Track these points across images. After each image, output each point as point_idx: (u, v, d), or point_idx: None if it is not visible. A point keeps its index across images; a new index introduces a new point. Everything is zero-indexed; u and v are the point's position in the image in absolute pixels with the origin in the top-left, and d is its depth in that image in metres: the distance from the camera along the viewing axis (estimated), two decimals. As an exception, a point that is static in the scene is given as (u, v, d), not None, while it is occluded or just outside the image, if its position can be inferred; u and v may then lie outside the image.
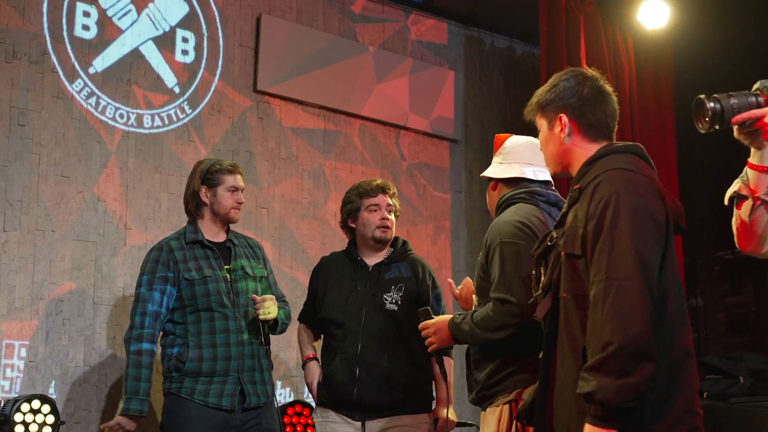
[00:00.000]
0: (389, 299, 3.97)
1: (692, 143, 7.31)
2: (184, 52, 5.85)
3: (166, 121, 5.69)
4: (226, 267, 4.04)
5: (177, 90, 5.77)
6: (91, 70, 5.47)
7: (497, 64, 7.52)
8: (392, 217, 4.11)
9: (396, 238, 4.19)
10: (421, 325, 3.25)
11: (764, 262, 7.40)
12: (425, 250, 6.63)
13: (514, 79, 7.56)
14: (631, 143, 2.59)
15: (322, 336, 4.17)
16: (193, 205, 4.07)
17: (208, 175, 4.03)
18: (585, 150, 2.60)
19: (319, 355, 4.16)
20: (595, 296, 2.30)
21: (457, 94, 7.10)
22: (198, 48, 5.90)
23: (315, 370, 4.03)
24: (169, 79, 5.75)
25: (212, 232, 4.10)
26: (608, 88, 2.65)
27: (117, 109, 5.51)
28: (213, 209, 4.04)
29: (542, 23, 6.75)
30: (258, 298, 3.98)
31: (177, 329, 3.97)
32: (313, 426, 4.15)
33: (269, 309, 3.95)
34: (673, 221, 2.43)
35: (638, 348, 2.23)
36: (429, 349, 3.26)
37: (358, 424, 3.88)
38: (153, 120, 5.64)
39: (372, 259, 4.10)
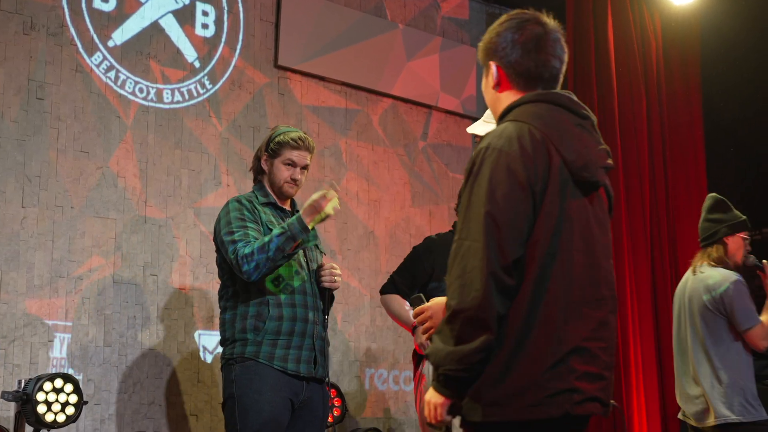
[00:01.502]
0: None
1: (721, 123, 7.17)
2: (204, 26, 5.71)
3: (186, 96, 5.56)
4: None
5: (197, 64, 5.63)
6: (110, 44, 5.33)
7: (519, 42, 7.36)
8: None
9: None
10: (415, 311, 3.06)
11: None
12: (444, 228, 6.48)
13: (536, 58, 7.41)
14: (551, 91, 2.37)
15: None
16: (255, 169, 3.94)
17: (272, 144, 3.86)
18: (512, 100, 2.40)
19: None
20: (451, 257, 2.22)
21: (478, 72, 6.97)
22: (218, 22, 5.76)
23: None
24: (189, 53, 5.61)
25: (275, 199, 3.92)
26: (551, 34, 2.40)
27: (136, 83, 5.38)
28: (270, 178, 3.88)
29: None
30: (328, 265, 3.83)
31: (252, 287, 3.67)
32: None
33: (338, 278, 3.82)
34: (575, 172, 2.24)
35: (473, 315, 2.11)
36: (426, 336, 3.07)
37: None
38: (173, 95, 5.50)
39: None
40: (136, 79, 5.38)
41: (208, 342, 5.39)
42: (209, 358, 5.37)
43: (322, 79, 6.14)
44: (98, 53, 5.28)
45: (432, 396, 2.24)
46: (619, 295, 6.06)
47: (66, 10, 5.20)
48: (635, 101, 6.64)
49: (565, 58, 2.42)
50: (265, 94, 5.89)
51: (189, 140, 5.53)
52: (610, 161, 2.35)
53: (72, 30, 5.21)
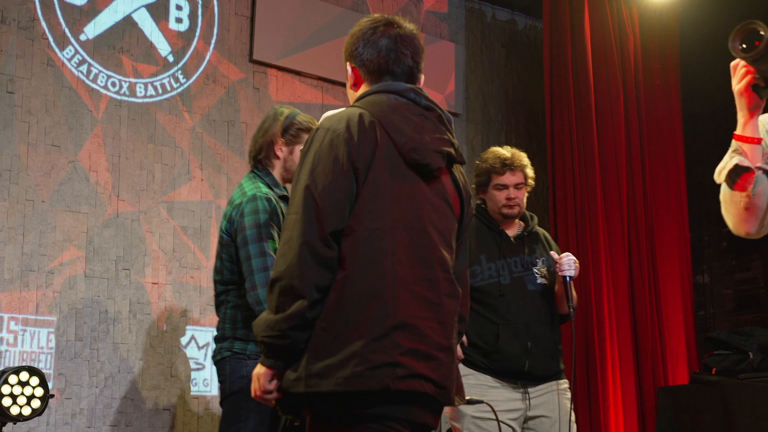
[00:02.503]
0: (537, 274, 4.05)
1: (698, 118, 7.17)
2: (178, 20, 5.69)
3: (160, 90, 5.55)
4: None
5: (171, 59, 5.62)
6: (82, 37, 5.32)
7: (499, 37, 7.37)
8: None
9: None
10: None
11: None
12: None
13: (515, 53, 7.41)
14: (395, 83, 2.48)
15: None
16: (265, 155, 3.68)
17: (291, 130, 3.66)
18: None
19: None
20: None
21: (458, 67, 6.95)
22: (192, 16, 5.75)
23: None
24: (163, 47, 5.60)
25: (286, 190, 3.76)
26: (404, 34, 2.51)
27: (109, 77, 5.36)
28: (285, 166, 3.67)
29: (546, -6, 6.61)
30: None
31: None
32: None
33: None
34: (404, 154, 2.31)
35: (287, 284, 2.17)
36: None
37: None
38: (146, 89, 5.49)
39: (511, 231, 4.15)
40: (109, 73, 5.37)
41: (182, 337, 5.37)
42: (182, 353, 5.36)
43: (298, 74, 6.13)
44: (70, 47, 5.26)
45: (257, 367, 2.28)
46: (596, 289, 6.10)
47: (37, 3, 5.18)
48: (612, 96, 6.63)
49: (421, 57, 2.54)
50: (240, 89, 5.87)
51: (162, 134, 5.51)
52: (448, 149, 2.39)
53: (43, 24, 5.20)
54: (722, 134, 7.05)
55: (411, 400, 2.19)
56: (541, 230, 4.20)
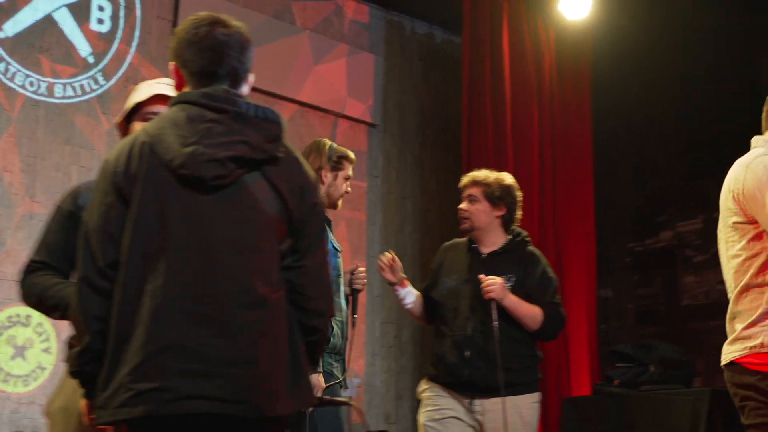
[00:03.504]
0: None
1: (608, 136, 7.41)
2: (100, 21, 5.64)
3: (78, 92, 5.48)
4: None
5: (91, 60, 5.56)
6: (1, 35, 5.23)
7: (417, 50, 7.49)
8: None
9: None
10: None
11: (673, 256, 7.54)
12: (341, 235, 6.55)
13: (433, 66, 7.54)
14: (189, 91, 2.35)
15: None
16: None
17: (333, 158, 3.98)
18: None
19: None
20: None
21: (377, 79, 7.05)
22: (114, 18, 5.70)
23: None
24: (83, 48, 5.54)
25: None
26: (230, 34, 2.39)
27: (27, 76, 5.28)
28: (328, 191, 3.97)
29: (466, 8, 6.73)
30: (361, 268, 4.02)
31: None
32: None
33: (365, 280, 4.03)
34: (174, 171, 2.22)
35: (74, 320, 2.21)
36: None
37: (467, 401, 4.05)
38: (65, 89, 5.42)
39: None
40: (27, 72, 5.28)
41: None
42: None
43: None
44: (-13, 44, 5.18)
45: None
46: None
47: (-46, -1, 5.09)
48: (528, 113, 6.81)
49: (248, 57, 2.41)
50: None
51: (79, 137, 5.45)
52: (235, 153, 2.25)
53: (-40, 20, 5.10)
54: (631, 153, 7.34)
55: (193, 421, 2.15)
56: (531, 250, 4.28)
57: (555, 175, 6.94)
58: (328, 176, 3.97)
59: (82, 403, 2.34)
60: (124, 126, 2.96)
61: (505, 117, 6.66)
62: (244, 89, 2.40)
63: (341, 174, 3.98)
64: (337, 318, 3.79)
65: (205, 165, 2.20)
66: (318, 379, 3.60)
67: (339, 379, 3.79)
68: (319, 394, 3.58)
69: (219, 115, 2.27)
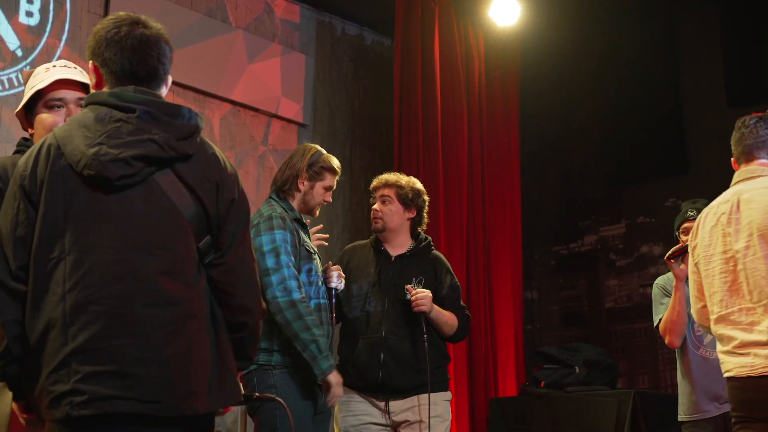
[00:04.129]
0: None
1: (534, 143, 7.54)
2: (29, 14, 5.52)
3: (6, 86, 5.37)
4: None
5: (19, 53, 5.44)
6: (-75, 26, 5.08)
7: (347, 51, 7.51)
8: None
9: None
10: None
11: (596, 259, 7.68)
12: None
13: (363, 67, 7.58)
14: (100, 92, 2.35)
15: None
16: (288, 186, 3.96)
17: (314, 167, 3.96)
18: None
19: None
20: None
21: (307, 79, 7.04)
22: (44, 11, 5.59)
23: None
24: (11, 41, 5.41)
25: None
26: (150, 34, 2.37)
27: (-48, 68, 5.15)
28: (304, 199, 3.96)
29: (398, 11, 6.78)
30: (335, 266, 4.03)
31: None
32: None
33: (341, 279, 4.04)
34: (80, 172, 2.23)
35: None
36: None
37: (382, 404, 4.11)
38: (-8, 83, 5.30)
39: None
40: (-48, 64, 5.15)
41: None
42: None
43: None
44: None
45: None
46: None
47: None
48: (457, 119, 6.88)
49: (168, 58, 2.40)
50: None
51: (7, 131, 5.33)
52: (142, 151, 2.25)
53: None
54: (557, 159, 7.48)
55: (115, 422, 2.16)
56: (436, 254, 4.37)
57: (484, 178, 7.04)
58: (305, 184, 3.96)
59: (14, 404, 2.38)
60: (25, 115, 2.88)
61: (435, 119, 6.73)
62: (163, 90, 2.42)
63: (320, 184, 3.97)
64: (324, 318, 3.85)
65: (109, 165, 2.21)
66: (336, 376, 3.70)
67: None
68: (339, 391, 3.71)
69: (127, 115, 2.27)
